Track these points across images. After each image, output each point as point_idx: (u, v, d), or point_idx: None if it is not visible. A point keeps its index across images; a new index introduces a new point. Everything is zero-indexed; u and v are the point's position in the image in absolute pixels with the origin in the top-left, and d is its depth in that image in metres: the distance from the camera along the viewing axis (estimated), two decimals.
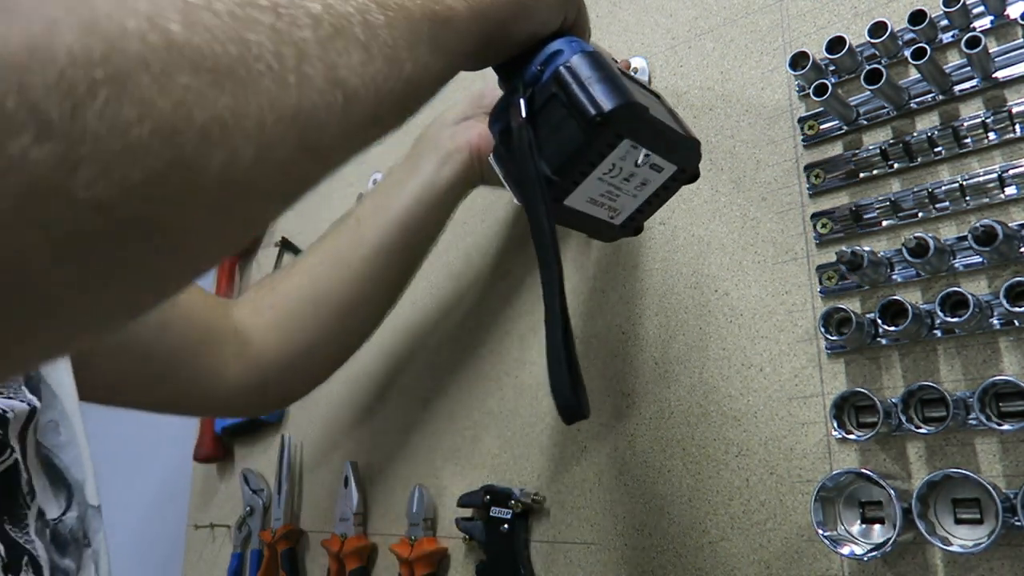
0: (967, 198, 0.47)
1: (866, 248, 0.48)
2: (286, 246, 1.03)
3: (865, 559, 0.45)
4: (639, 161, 0.41)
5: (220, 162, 0.22)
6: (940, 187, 0.48)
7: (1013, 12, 0.48)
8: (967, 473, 0.41)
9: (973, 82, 0.49)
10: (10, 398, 0.46)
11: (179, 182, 0.21)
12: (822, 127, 0.55)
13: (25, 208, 0.18)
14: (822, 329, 0.50)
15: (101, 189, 0.19)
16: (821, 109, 0.54)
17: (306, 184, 0.27)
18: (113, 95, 0.19)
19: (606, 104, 0.37)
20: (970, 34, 0.46)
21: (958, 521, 0.44)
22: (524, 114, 0.38)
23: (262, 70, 0.23)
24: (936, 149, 0.49)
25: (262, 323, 0.66)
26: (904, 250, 0.45)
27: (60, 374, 0.55)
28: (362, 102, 0.28)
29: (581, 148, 0.38)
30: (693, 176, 0.45)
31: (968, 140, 0.48)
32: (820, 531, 0.45)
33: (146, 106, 0.20)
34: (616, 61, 0.42)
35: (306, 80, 0.25)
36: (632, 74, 0.42)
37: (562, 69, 0.38)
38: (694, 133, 0.44)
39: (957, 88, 0.49)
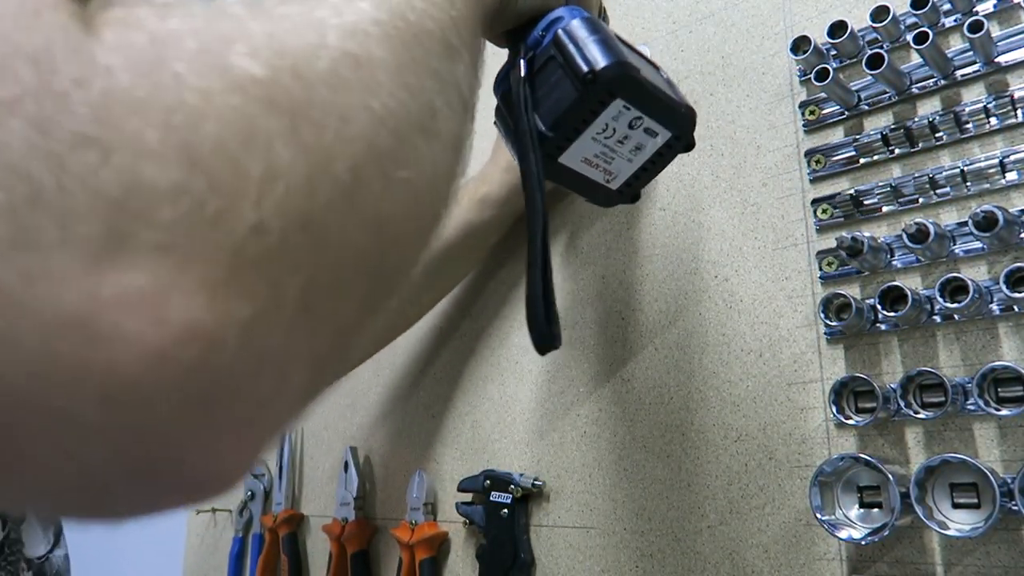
0: (968, 184, 0.47)
1: (866, 234, 0.48)
2: None
3: (863, 543, 0.45)
4: (632, 123, 0.42)
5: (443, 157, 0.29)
6: (941, 173, 0.48)
7: None
8: (965, 458, 0.41)
9: (975, 67, 0.48)
10: None
11: (433, 197, 0.28)
12: (823, 112, 0.55)
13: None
14: (822, 315, 0.50)
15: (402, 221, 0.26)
16: (822, 94, 0.54)
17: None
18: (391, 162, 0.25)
19: (599, 62, 0.39)
20: (973, 18, 0.46)
21: (955, 506, 0.44)
22: (523, 73, 0.41)
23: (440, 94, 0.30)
24: (937, 134, 0.49)
25: None
26: (904, 236, 0.45)
27: None
28: (472, 89, 0.34)
29: (574, 105, 0.40)
30: (688, 145, 0.47)
31: (969, 125, 0.48)
32: (818, 515, 0.45)
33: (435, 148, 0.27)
34: (622, 40, 0.43)
35: (459, 99, 0.31)
36: (633, 45, 0.43)
37: (560, 32, 0.40)
38: (689, 102, 0.45)
39: (959, 73, 0.49)
